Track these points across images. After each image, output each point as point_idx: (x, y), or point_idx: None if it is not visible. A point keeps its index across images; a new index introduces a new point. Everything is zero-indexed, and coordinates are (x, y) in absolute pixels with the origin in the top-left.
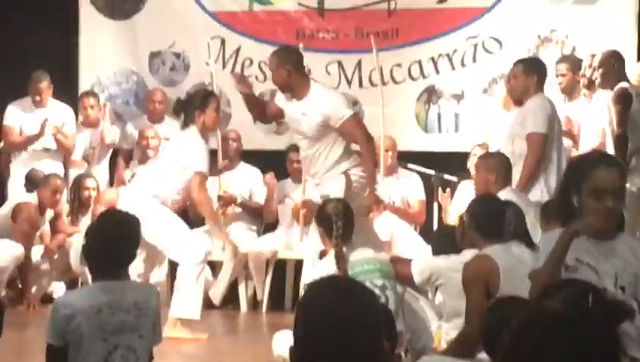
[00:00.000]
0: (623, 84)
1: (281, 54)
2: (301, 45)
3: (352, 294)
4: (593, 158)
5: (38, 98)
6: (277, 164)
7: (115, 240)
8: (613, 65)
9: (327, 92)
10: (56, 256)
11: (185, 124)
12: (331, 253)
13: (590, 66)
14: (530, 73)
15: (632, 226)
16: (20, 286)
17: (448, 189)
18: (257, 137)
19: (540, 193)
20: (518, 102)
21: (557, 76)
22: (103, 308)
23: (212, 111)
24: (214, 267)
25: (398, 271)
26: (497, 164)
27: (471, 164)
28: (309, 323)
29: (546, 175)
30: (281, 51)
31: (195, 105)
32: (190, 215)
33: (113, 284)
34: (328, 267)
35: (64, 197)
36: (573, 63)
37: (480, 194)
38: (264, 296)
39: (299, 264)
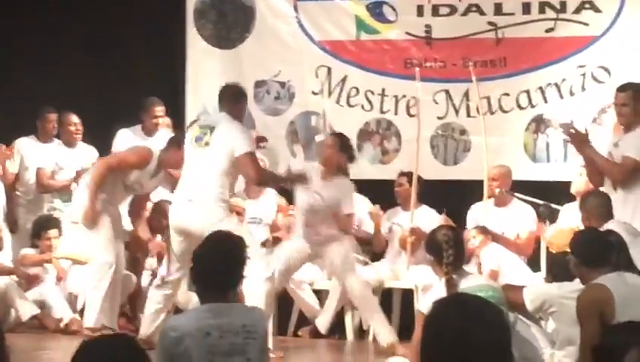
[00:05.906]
0: None
1: None
2: (417, 70)
3: (479, 311)
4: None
5: (155, 121)
6: (383, 193)
7: (221, 262)
8: None
9: None
10: None
11: None
12: (442, 280)
13: None
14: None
15: None
16: (129, 314)
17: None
18: (362, 167)
19: None
20: (628, 128)
21: None
22: (212, 330)
23: None
24: (321, 296)
25: (510, 298)
26: (592, 204)
27: (574, 188)
28: (437, 339)
29: None
30: None
31: None
32: None
33: (221, 306)
34: (439, 295)
35: None
36: None
37: (576, 232)
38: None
39: (405, 293)
